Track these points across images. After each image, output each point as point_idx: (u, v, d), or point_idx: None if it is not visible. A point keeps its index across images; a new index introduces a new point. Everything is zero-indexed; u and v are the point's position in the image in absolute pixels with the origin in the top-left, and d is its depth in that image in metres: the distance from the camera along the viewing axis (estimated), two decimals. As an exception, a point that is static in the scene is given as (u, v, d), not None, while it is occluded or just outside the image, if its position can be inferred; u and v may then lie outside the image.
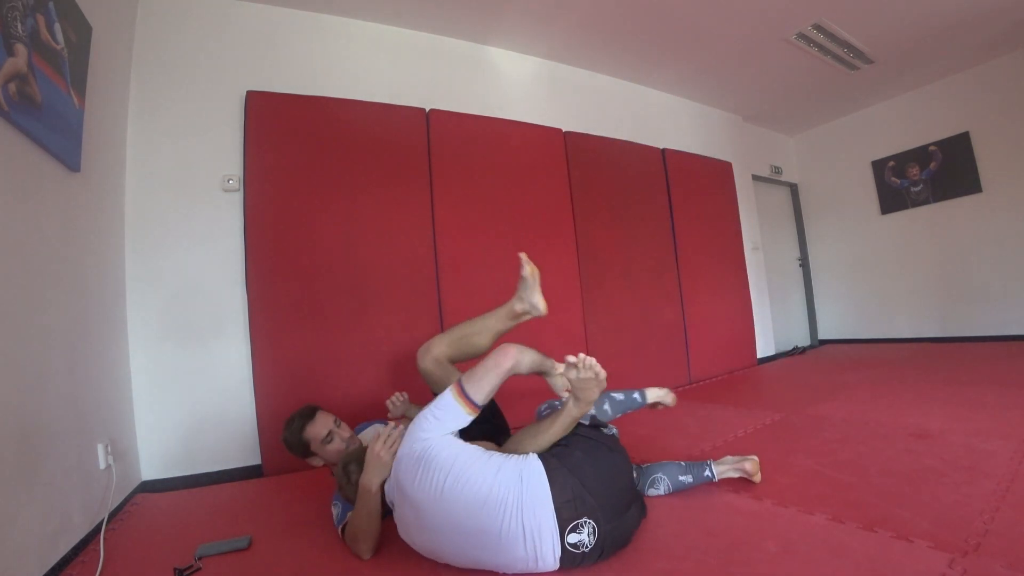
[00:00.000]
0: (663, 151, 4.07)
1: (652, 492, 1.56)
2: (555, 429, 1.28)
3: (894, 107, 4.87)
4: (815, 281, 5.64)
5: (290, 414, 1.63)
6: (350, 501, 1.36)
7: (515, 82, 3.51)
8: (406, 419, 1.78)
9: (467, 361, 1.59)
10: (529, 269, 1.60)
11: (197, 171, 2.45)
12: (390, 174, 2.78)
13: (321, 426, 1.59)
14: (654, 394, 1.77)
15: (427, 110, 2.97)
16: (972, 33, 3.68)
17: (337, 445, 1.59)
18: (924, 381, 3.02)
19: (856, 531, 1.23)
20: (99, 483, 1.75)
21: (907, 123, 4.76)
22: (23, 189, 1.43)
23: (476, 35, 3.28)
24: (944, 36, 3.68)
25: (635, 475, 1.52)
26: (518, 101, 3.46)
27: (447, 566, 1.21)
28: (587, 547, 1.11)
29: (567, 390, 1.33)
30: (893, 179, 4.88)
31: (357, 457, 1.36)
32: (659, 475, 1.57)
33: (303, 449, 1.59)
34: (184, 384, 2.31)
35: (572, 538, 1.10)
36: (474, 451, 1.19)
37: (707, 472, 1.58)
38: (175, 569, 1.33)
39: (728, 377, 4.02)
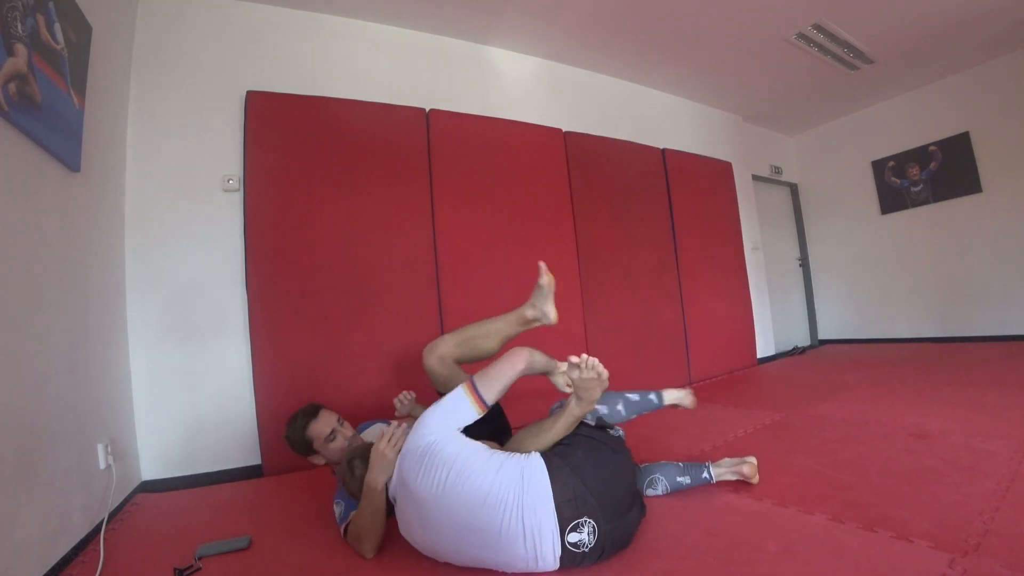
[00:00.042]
0: (663, 151, 4.07)
1: (650, 492, 1.56)
2: (557, 428, 1.30)
3: (894, 107, 4.87)
4: (815, 281, 5.64)
5: (293, 412, 1.64)
6: (353, 496, 1.37)
7: (515, 82, 3.51)
8: (411, 418, 1.78)
9: (473, 363, 1.59)
10: (547, 278, 1.61)
11: (197, 171, 2.45)
12: (390, 174, 2.78)
13: (324, 424, 1.59)
14: (672, 396, 1.75)
15: (427, 110, 2.97)
16: (972, 33, 3.68)
17: (340, 443, 1.59)
18: (924, 381, 3.02)
19: (856, 531, 1.23)
20: (99, 483, 1.75)
21: (907, 123, 4.76)
22: (23, 189, 1.43)
23: (476, 35, 3.28)
24: (944, 36, 3.68)
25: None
26: (518, 101, 3.46)
27: (448, 565, 1.22)
28: (587, 547, 1.11)
29: (568, 385, 1.38)
30: (893, 179, 4.88)
31: (362, 453, 1.36)
32: (657, 476, 1.57)
33: (305, 447, 1.59)
34: (184, 384, 2.31)
35: (572, 537, 1.10)
36: (477, 448, 1.20)
37: (705, 474, 1.58)
38: (175, 569, 1.33)
39: (728, 377, 4.02)
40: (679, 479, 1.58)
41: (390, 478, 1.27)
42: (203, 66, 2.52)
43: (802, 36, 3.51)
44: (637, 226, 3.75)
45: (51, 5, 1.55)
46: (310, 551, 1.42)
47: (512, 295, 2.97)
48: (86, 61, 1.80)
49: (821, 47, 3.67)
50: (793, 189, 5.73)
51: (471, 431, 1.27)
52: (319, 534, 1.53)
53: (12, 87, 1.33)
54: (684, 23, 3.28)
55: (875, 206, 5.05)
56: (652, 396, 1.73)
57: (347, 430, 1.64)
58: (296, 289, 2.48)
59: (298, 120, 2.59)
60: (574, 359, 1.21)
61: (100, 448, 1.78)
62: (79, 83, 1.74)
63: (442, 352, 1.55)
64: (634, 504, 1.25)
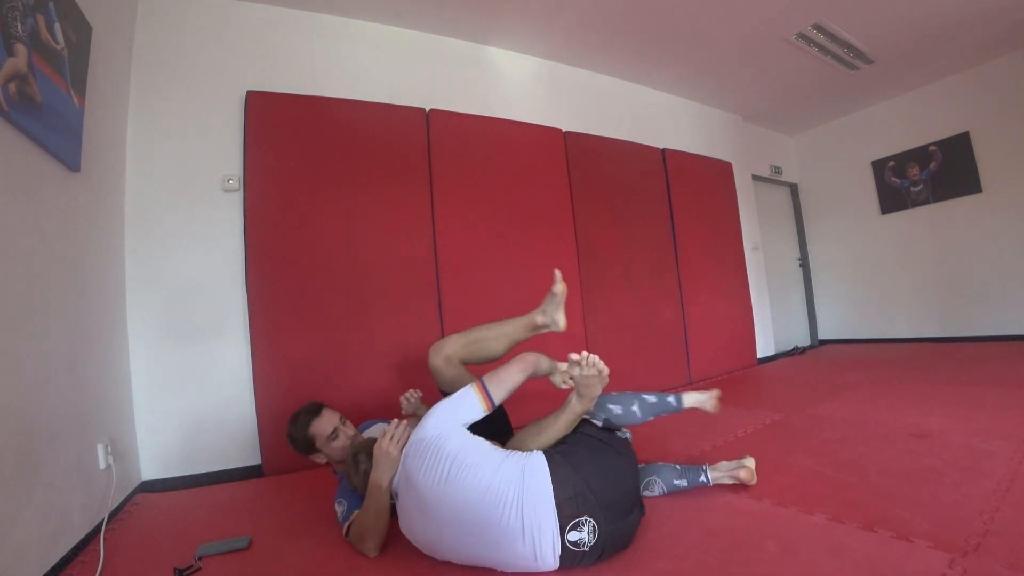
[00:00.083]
0: (663, 151, 4.07)
1: (646, 494, 1.56)
2: (559, 426, 1.32)
3: (894, 107, 4.87)
4: (815, 281, 5.64)
5: (295, 410, 1.64)
6: (357, 490, 1.38)
7: (515, 82, 3.51)
8: (415, 417, 1.78)
9: (478, 365, 1.60)
10: (561, 287, 1.61)
11: (197, 171, 2.45)
12: (390, 174, 2.78)
13: (327, 423, 1.59)
14: (692, 399, 1.70)
15: (427, 110, 2.97)
16: (972, 33, 3.68)
17: (342, 442, 1.60)
18: (924, 381, 3.02)
19: (856, 531, 1.23)
20: (99, 483, 1.75)
21: (907, 123, 4.76)
22: (23, 189, 1.43)
23: (476, 35, 3.27)
24: (944, 36, 3.68)
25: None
26: (518, 101, 3.46)
27: (448, 565, 1.22)
28: (587, 546, 1.11)
29: (565, 382, 1.43)
30: (893, 179, 4.88)
31: (367, 448, 1.38)
32: (653, 478, 1.57)
33: (307, 445, 1.60)
34: (184, 384, 2.31)
35: (572, 536, 1.10)
36: (481, 444, 1.22)
37: (702, 477, 1.58)
38: (175, 569, 1.33)
39: (728, 377, 4.02)
40: (676, 482, 1.58)
41: (394, 475, 1.27)
42: (203, 66, 2.52)
43: (802, 36, 3.51)
44: (637, 226, 3.75)
45: (51, 5, 1.55)
46: (310, 551, 1.42)
47: (512, 295, 3.00)
48: (86, 61, 1.80)
49: (821, 47, 3.67)
50: (793, 189, 5.73)
51: (472, 430, 1.28)
52: (319, 534, 1.53)
53: (12, 87, 1.33)
54: (684, 23, 3.28)
55: (875, 206, 5.05)
56: (671, 399, 1.67)
57: (349, 429, 1.65)
58: (296, 289, 2.48)
59: (298, 120, 2.59)
60: (575, 356, 1.24)
61: (100, 448, 1.78)
62: (79, 83, 1.74)
63: (449, 352, 1.55)
64: (635, 507, 1.25)
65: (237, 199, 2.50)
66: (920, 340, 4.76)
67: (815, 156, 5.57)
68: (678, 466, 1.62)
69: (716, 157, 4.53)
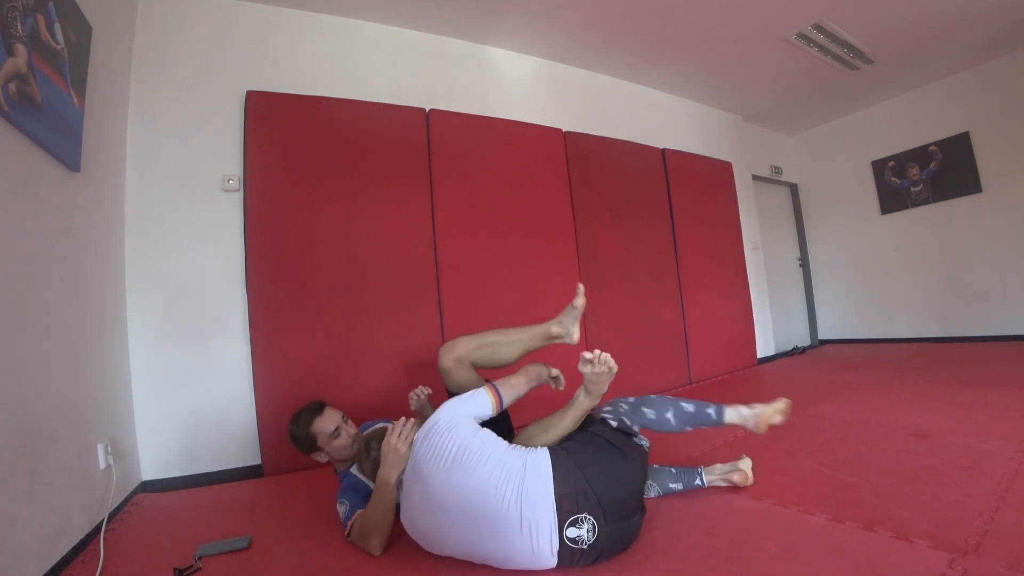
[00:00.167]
0: (663, 151, 4.07)
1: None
2: (566, 422, 1.35)
3: (894, 107, 4.87)
4: (815, 281, 5.64)
5: (297, 409, 1.64)
6: (366, 474, 1.40)
7: (515, 82, 3.51)
8: (421, 417, 1.78)
9: (488, 369, 1.60)
10: (582, 301, 1.62)
11: (197, 171, 2.45)
12: (390, 174, 2.78)
13: (329, 421, 1.60)
14: (735, 415, 1.55)
15: (427, 110, 2.97)
16: (972, 33, 3.68)
17: (344, 441, 1.60)
18: (924, 381, 3.02)
19: (856, 531, 1.23)
20: (99, 483, 1.74)
21: (907, 123, 4.76)
22: (23, 189, 1.43)
23: (476, 35, 3.27)
24: (944, 36, 3.68)
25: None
26: (518, 101, 3.46)
27: (449, 565, 1.21)
28: (586, 544, 1.11)
29: (554, 379, 1.55)
30: (893, 179, 4.88)
31: (380, 435, 1.40)
32: (649, 482, 1.57)
33: (309, 444, 1.60)
34: (184, 384, 2.31)
35: (571, 532, 1.10)
36: (489, 435, 1.24)
37: (697, 480, 1.59)
38: (175, 569, 1.33)
39: (728, 377, 4.02)
40: (671, 485, 1.58)
41: (402, 472, 1.28)
42: (203, 66, 2.52)
43: (802, 36, 3.51)
44: (637, 226, 3.75)
45: (51, 5, 1.55)
46: (310, 551, 1.42)
47: (512, 295, 3.00)
48: (86, 61, 1.80)
49: (821, 47, 3.67)
50: (793, 189, 5.73)
51: None
52: (319, 534, 1.53)
53: (12, 87, 1.33)
54: (684, 23, 3.28)
55: (875, 206, 5.05)
56: (710, 410, 1.54)
57: (351, 427, 1.66)
58: (296, 289, 2.48)
59: (298, 120, 2.59)
60: (587, 355, 1.27)
61: (100, 448, 1.78)
62: (79, 83, 1.74)
63: (460, 353, 1.55)
64: (637, 511, 1.25)
65: (237, 199, 2.50)
66: (920, 340, 4.75)
67: (815, 156, 5.57)
68: (673, 469, 1.62)
69: (716, 157, 4.53)
